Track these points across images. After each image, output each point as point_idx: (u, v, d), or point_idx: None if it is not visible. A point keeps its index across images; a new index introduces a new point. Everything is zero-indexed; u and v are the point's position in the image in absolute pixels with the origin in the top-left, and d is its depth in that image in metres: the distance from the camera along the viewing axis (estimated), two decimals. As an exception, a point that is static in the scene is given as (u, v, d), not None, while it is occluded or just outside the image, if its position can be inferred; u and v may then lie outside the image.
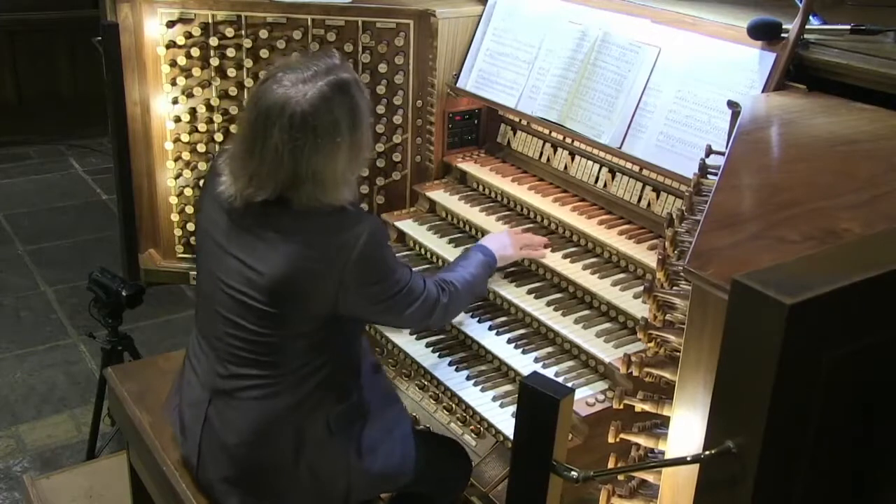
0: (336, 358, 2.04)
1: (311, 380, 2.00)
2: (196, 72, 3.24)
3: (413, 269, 2.18)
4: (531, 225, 2.81)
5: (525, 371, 2.36)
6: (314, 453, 2.02)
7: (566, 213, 2.74)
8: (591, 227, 2.66)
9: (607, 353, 2.32)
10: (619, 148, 2.59)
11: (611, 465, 1.59)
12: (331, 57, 1.95)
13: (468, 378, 2.49)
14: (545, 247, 2.64)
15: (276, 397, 2.00)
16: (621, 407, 1.63)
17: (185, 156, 3.37)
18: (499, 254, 2.47)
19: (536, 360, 2.43)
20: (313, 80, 1.87)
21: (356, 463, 2.06)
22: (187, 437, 2.13)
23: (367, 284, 1.95)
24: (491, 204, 2.96)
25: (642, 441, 1.56)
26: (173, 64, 3.25)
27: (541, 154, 3.00)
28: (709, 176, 1.92)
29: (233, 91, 3.26)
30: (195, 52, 3.22)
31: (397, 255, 2.89)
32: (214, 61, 3.21)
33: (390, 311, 2.06)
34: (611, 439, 1.57)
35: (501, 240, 2.55)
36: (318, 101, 1.85)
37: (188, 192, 3.40)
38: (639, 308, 2.35)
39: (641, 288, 2.39)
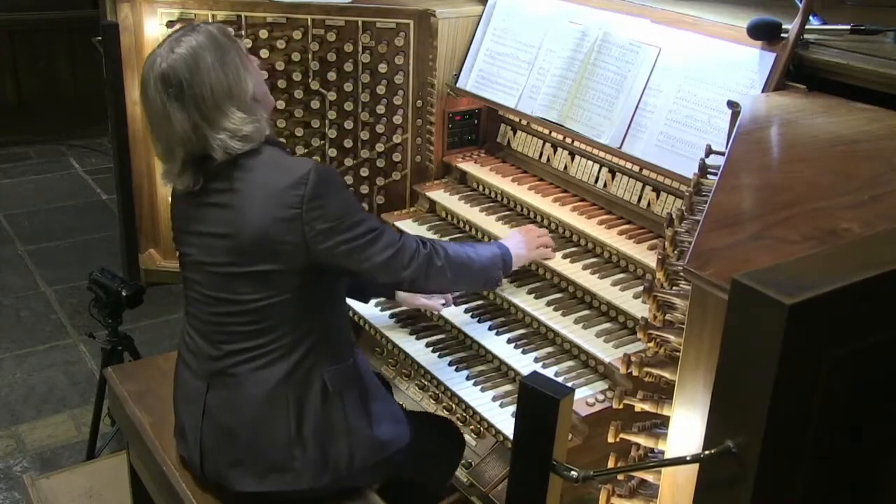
0: (325, 320, 2.09)
1: (304, 344, 2.05)
2: (196, 72, 3.24)
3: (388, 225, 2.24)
4: (530, 224, 2.81)
5: (525, 371, 2.36)
6: (315, 418, 2.06)
7: (566, 213, 2.74)
8: (591, 227, 2.66)
9: (607, 353, 2.32)
10: (619, 148, 2.59)
11: (611, 465, 1.59)
12: (198, 24, 2.09)
13: (468, 378, 2.49)
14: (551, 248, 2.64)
15: (271, 366, 2.04)
16: (621, 407, 1.63)
17: (185, 156, 3.37)
18: (514, 251, 2.46)
19: (536, 360, 2.43)
20: (176, 41, 1.99)
21: (356, 424, 2.10)
22: (187, 434, 2.14)
23: (328, 219, 1.97)
24: (491, 204, 2.96)
25: (642, 441, 1.56)
26: (173, 64, 3.24)
27: (541, 154, 3.00)
28: (709, 176, 1.92)
29: (233, 91, 3.26)
30: (195, 52, 3.22)
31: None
32: (214, 61, 3.21)
33: (361, 254, 2.03)
34: (611, 439, 1.57)
35: (515, 238, 2.54)
36: (180, 49, 1.97)
37: (188, 192, 3.40)
38: (639, 308, 2.35)
39: (641, 288, 2.38)
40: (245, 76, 2.03)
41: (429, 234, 2.92)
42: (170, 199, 3.34)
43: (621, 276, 2.53)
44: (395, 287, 2.56)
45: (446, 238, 2.88)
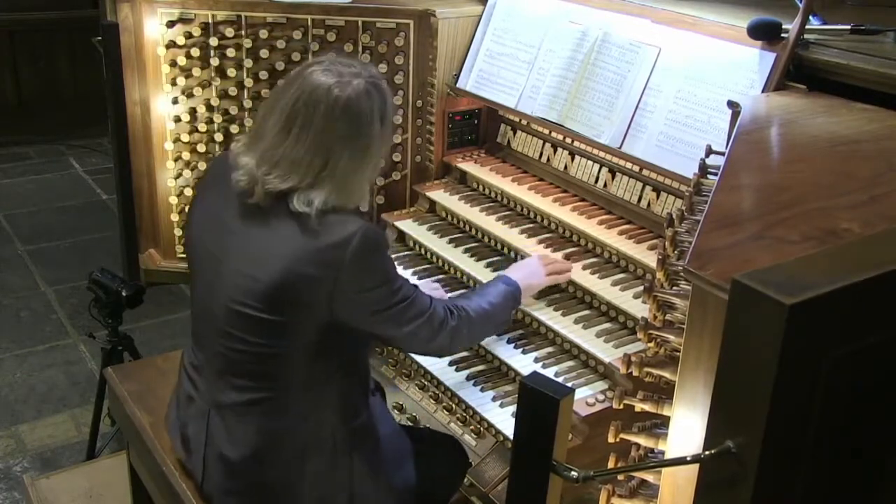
0: (339, 374, 2.01)
1: (312, 395, 1.98)
2: (196, 72, 3.25)
3: (419, 289, 2.09)
4: (531, 224, 2.81)
5: (525, 371, 2.36)
6: (319, 473, 2.00)
7: (566, 213, 2.74)
8: (591, 227, 2.66)
9: (607, 353, 2.32)
10: (619, 148, 2.59)
11: (611, 465, 1.59)
12: (370, 64, 2.03)
13: (468, 378, 2.49)
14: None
15: (279, 412, 1.98)
16: (621, 407, 1.63)
17: (185, 156, 3.37)
18: (525, 283, 2.38)
19: (536, 360, 2.43)
20: (358, 76, 1.90)
21: (360, 487, 2.04)
22: (191, 450, 2.11)
23: (363, 289, 1.90)
24: (491, 204, 2.96)
25: (642, 441, 1.56)
26: (173, 64, 3.25)
27: (541, 154, 3.00)
28: (709, 176, 1.92)
29: (233, 91, 3.26)
30: (195, 52, 3.22)
31: (398, 255, 2.90)
32: (214, 61, 3.21)
33: (390, 323, 1.98)
34: (611, 439, 1.57)
35: (529, 266, 2.46)
36: (362, 93, 1.88)
37: (188, 192, 3.40)
38: (639, 308, 2.35)
39: (641, 288, 2.39)
40: (373, 171, 1.98)
41: (429, 234, 2.92)
42: (170, 198, 3.40)
43: (621, 276, 2.53)
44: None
45: (446, 238, 2.88)
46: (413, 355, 2.60)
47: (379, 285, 1.93)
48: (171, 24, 3.20)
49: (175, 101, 3.29)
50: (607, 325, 2.44)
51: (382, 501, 2.11)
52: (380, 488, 2.08)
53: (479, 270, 2.69)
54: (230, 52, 3.20)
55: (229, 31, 3.18)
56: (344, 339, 1.97)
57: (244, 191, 1.91)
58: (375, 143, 1.93)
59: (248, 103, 3.26)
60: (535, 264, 2.48)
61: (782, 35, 2.26)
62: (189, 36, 3.20)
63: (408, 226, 2.99)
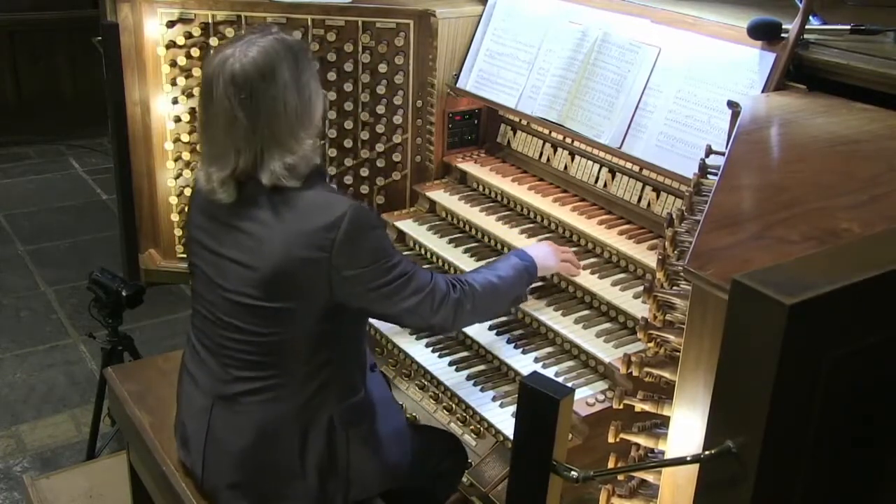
0: (340, 356, 2.03)
1: (316, 379, 2.00)
2: (196, 72, 3.24)
3: (419, 266, 2.11)
4: (531, 225, 2.81)
5: (525, 371, 2.36)
6: (318, 451, 2.02)
7: (566, 213, 2.74)
8: (591, 227, 2.66)
9: (607, 353, 2.32)
10: (619, 148, 2.59)
11: (611, 465, 1.59)
12: (269, 27, 2.01)
13: (468, 378, 2.49)
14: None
15: (281, 400, 1.99)
16: (621, 407, 1.63)
17: (186, 156, 3.37)
18: (540, 262, 2.38)
19: (536, 360, 2.43)
20: (250, 43, 1.90)
21: (357, 461, 2.07)
22: (190, 448, 2.11)
23: (358, 266, 1.91)
24: (491, 204, 2.96)
25: (642, 441, 1.56)
26: (173, 64, 3.25)
27: (541, 154, 3.00)
28: (709, 176, 1.92)
29: (233, 91, 3.26)
30: (195, 52, 3.22)
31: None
32: (214, 61, 3.21)
33: (388, 300, 1.98)
34: (611, 439, 1.57)
35: (544, 249, 2.47)
36: (256, 54, 1.87)
37: (188, 192, 3.40)
38: (639, 308, 2.35)
39: (641, 288, 2.39)
40: (317, 101, 1.96)
41: (429, 234, 2.92)
42: (170, 198, 3.40)
43: (621, 276, 2.53)
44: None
45: (446, 238, 2.88)
46: (413, 356, 2.60)
47: (373, 262, 1.93)
48: (171, 24, 3.20)
49: (175, 101, 3.29)
50: (607, 325, 2.44)
51: (378, 478, 2.13)
52: (376, 465, 2.10)
53: (479, 270, 2.69)
54: (230, 52, 3.19)
55: (229, 32, 3.17)
56: (344, 322, 2.00)
57: (216, 195, 1.94)
58: (292, 86, 1.88)
59: (248, 103, 3.26)
60: (548, 248, 2.48)
61: (782, 35, 2.26)
62: (189, 36, 3.20)
63: (408, 226, 2.99)
